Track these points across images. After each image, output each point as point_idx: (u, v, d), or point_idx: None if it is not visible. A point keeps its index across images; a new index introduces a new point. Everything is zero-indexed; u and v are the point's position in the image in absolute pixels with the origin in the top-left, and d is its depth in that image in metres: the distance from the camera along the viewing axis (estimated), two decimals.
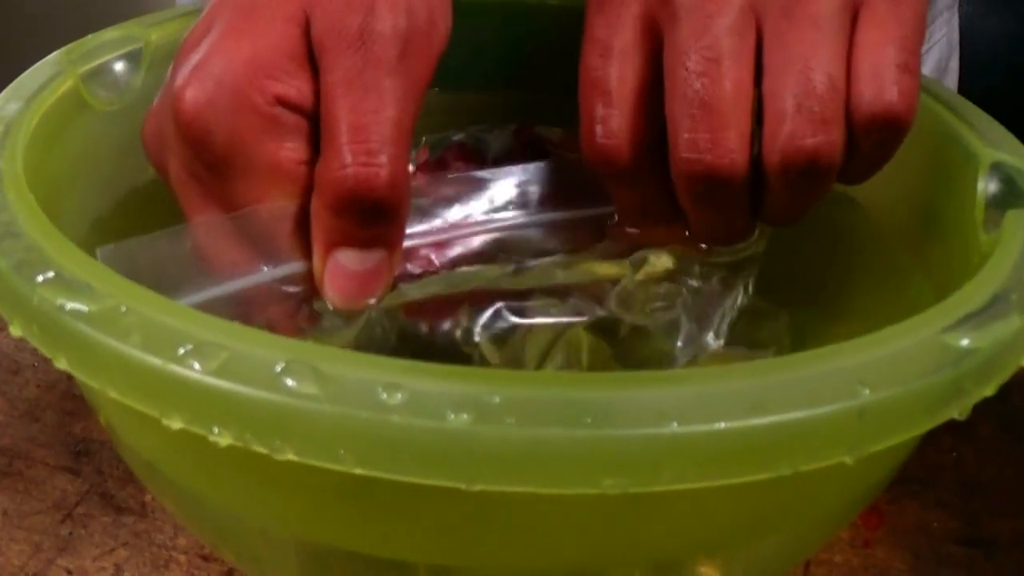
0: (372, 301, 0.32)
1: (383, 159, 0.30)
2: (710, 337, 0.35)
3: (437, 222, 0.35)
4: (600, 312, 0.34)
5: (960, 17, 0.72)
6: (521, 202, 0.36)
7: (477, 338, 0.33)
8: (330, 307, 0.32)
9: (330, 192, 0.30)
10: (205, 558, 0.38)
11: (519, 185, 0.36)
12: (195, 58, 0.31)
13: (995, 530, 0.40)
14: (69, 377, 0.45)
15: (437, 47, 0.32)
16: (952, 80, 0.72)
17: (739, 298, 0.36)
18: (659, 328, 0.35)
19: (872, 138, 0.31)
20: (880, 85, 0.30)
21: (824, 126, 0.30)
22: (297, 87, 0.31)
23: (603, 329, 0.34)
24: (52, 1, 1.49)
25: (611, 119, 0.33)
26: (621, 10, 0.33)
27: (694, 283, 0.35)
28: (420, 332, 0.34)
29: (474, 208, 0.35)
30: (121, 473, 0.41)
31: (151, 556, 0.38)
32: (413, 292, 0.34)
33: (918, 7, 0.31)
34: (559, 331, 0.34)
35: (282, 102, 0.31)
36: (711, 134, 0.30)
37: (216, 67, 0.30)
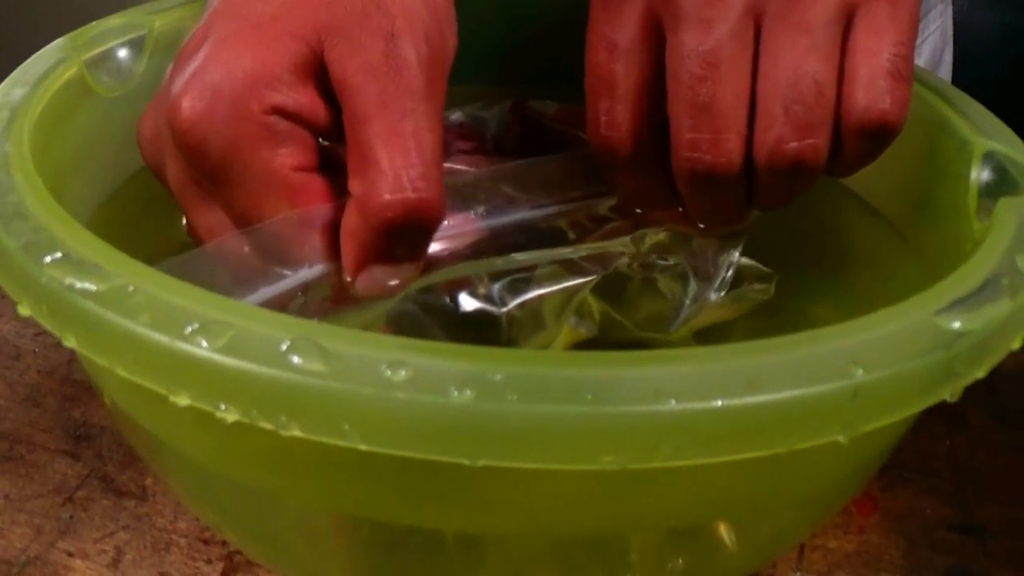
0: (395, 283, 0.32)
1: (429, 183, 0.30)
2: (711, 293, 0.36)
3: (452, 217, 0.35)
4: (606, 271, 0.35)
5: (953, 10, 0.73)
6: (530, 192, 0.37)
7: (502, 305, 0.34)
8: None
9: (376, 215, 0.30)
10: (205, 541, 0.38)
11: (526, 176, 0.37)
12: (193, 65, 0.30)
13: (987, 517, 0.40)
14: (69, 362, 0.46)
15: (449, 64, 0.33)
16: (946, 73, 0.73)
17: (734, 258, 0.37)
18: (669, 282, 0.36)
19: (863, 141, 0.32)
20: (875, 94, 0.31)
21: (810, 130, 0.31)
22: (295, 99, 0.30)
23: (610, 291, 0.35)
24: None
25: (616, 112, 0.34)
26: (625, 7, 0.34)
27: (693, 244, 0.37)
28: (447, 304, 0.34)
29: (483, 201, 0.36)
30: (121, 457, 0.42)
31: (152, 539, 0.38)
32: (427, 280, 0.34)
33: (913, 8, 0.32)
34: (571, 292, 0.35)
35: (279, 112, 0.30)
36: (712, 135, 0.32)
37: (214, 76, 0.30)
